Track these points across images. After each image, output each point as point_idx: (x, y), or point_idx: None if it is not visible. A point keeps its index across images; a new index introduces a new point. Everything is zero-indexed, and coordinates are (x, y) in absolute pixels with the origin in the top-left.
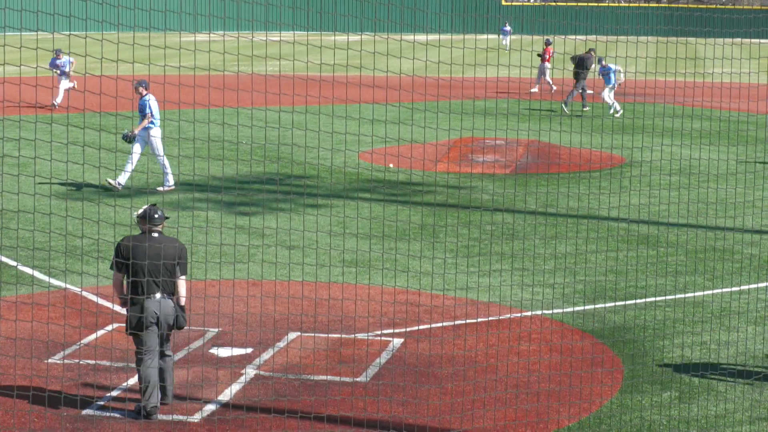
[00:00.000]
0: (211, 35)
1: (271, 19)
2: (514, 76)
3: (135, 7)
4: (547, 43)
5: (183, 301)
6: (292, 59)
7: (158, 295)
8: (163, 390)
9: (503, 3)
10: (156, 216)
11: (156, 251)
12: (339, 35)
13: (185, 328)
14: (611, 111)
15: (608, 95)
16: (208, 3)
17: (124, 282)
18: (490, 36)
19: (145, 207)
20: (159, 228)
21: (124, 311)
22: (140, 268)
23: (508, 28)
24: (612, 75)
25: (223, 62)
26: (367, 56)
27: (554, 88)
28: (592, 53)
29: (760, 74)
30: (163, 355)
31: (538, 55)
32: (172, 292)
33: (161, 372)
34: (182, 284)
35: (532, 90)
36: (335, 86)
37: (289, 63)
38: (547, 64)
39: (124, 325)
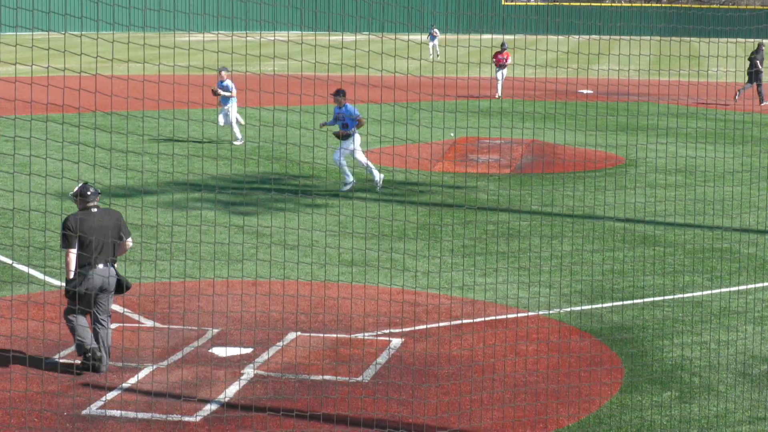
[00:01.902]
0: (206, 35)
1: (268, 18)
2: (518, 75)
3: (130, 6)
4: (503, 47)
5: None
6: (288, 58)
7: (101, 266)
8: (99, 356)
9: (503, 3)
10: (89, 193)
11: (99, 225)
12: (337, 35)
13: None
14: (235, 140)
15: (230, 118)
16: (204, 3)
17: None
18: (484, 36)
19: (77, 187)
20: (95, 203)
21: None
22: (88, 242)
23: (435, 32)
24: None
25: (217, 62)
26: (366, 56)
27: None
28: (762, 48)
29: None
30: (99, 321)
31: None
32: (114, 260)
33: (99, 337)
34: (130, 242)
35: (497, 95)
36: (334, 86)
37: (288, 62)
38: (504, 71)
39: (66, 291)
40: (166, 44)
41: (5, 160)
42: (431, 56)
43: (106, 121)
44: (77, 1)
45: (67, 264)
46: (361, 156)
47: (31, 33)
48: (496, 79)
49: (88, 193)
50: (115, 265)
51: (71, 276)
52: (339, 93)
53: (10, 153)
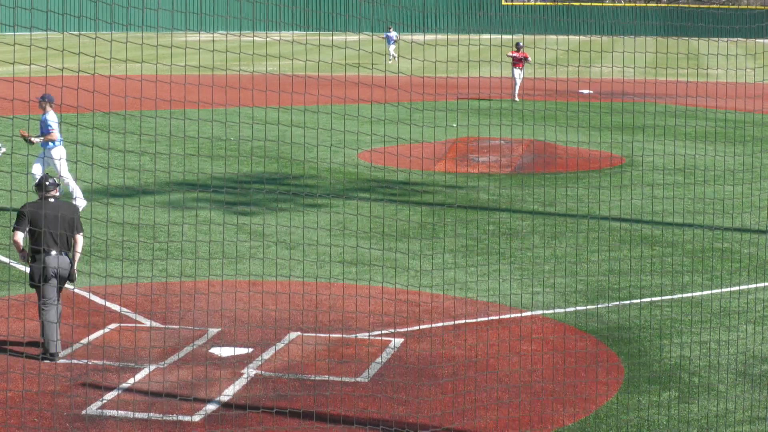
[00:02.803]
0: (197, 35)
1: (268, 18)
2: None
3: (129, 5)
4: (518, 46)
5: (78, 256)
6: (280, 57)
7: (54, 252)
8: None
9: (503, 3)
10: (48, 183)
11: (53, 213)
12: (339, 35)
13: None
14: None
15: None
16: (202, 2)
17: (22, 240)
18: (484, 36)
19: (40, 177)
20: (53, 193)
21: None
22: (42, 229)
23: (392, 33)
24: None
25: (213, 62)
26: (367, 56)
27: (516, 99)
28: None
29: (757, 70)
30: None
31: (515, 58)
32: (68, 249)
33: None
34: (80, 240)
35: (515, 100)
36: (335, 85)
37: (289, 62)
38: (522, 72)
39: (29, 281)
40: (164, 44)
41: (4, 159)
42: (390, 61)
43: (104, 121)
44: (75, 1)
45: (15, 243)
46: (65, 171)
47: (29, 33)
48: (514, 81)
49: (46, 183)
50: (69, 254)
51: (20, 251)
52: (43, 98)
53: (8, 152)
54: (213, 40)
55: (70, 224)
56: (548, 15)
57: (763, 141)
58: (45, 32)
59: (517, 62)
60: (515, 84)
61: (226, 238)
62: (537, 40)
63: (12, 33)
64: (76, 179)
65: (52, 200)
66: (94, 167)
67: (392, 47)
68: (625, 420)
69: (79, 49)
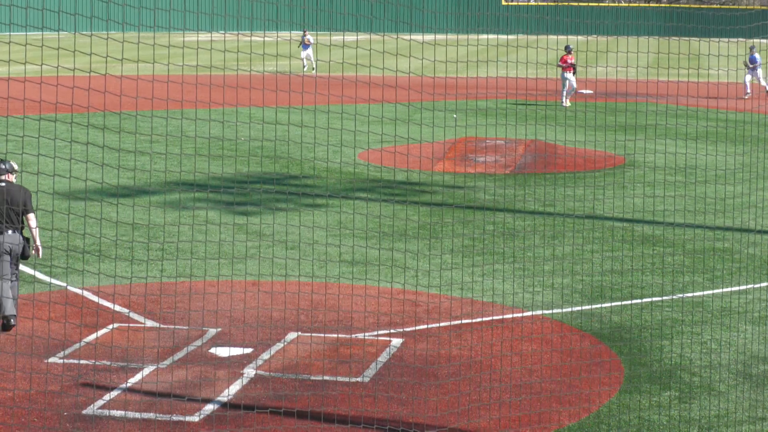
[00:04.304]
0: (202, 34)
1: (271, 18)
2: (511, 75)
3: (140, 6)
4: (567, 49)
5: (35, 232)
6: (276, 56)
7: (10, 232)
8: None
9: (503, 3)
10: None
11: (5, 197)
12: (337, 34)
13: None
14: None
15: None
16: (203, 2)
17: None
18: (484, 36)
19: None
20: (5, 177)
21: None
22: None
23: (309, 38)
24: None
25: (210, 61)
26: (366, 55)
27: (567, 104)
28: None
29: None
30: (10, 279)
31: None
32: (21, 228)
33: (2, 287)
34: (32, 218)
35: (566, 104)
36: (335, 85)
37: (288, 62)
38: (567, 74)
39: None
40: (175, 44)
41: (12, 159)
42: (305, 68)
43: (113, 121)
44: (87, 1)
45: None
46: None
47: (41, 33)
48: (570, 85)
49: None
50: (22, 233)
51: None
52: None
53: (17, 152)
54: (211, 40)
55: (21, 205)
56: (548, 15)
57: (763, 141)
58: (57, 32)
59: (567, 65)
60: (570, 88)
61: (225, 238)
62: (537, 40)
63: (24, 33)
64: None
65: (3, 184)
66: (96, 167)
67: (306, 53)
68: (625, 420)
69: (91, 49)
